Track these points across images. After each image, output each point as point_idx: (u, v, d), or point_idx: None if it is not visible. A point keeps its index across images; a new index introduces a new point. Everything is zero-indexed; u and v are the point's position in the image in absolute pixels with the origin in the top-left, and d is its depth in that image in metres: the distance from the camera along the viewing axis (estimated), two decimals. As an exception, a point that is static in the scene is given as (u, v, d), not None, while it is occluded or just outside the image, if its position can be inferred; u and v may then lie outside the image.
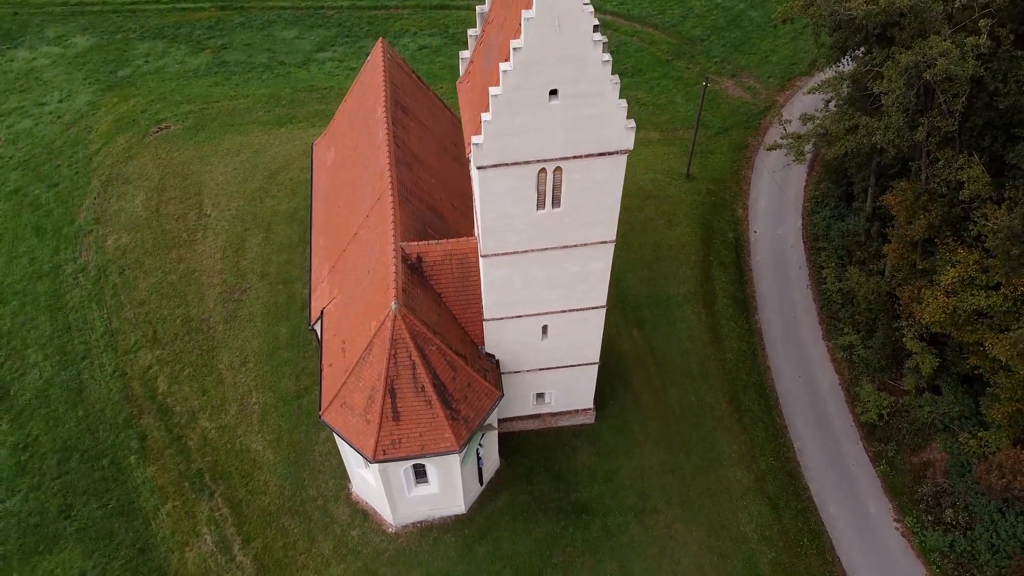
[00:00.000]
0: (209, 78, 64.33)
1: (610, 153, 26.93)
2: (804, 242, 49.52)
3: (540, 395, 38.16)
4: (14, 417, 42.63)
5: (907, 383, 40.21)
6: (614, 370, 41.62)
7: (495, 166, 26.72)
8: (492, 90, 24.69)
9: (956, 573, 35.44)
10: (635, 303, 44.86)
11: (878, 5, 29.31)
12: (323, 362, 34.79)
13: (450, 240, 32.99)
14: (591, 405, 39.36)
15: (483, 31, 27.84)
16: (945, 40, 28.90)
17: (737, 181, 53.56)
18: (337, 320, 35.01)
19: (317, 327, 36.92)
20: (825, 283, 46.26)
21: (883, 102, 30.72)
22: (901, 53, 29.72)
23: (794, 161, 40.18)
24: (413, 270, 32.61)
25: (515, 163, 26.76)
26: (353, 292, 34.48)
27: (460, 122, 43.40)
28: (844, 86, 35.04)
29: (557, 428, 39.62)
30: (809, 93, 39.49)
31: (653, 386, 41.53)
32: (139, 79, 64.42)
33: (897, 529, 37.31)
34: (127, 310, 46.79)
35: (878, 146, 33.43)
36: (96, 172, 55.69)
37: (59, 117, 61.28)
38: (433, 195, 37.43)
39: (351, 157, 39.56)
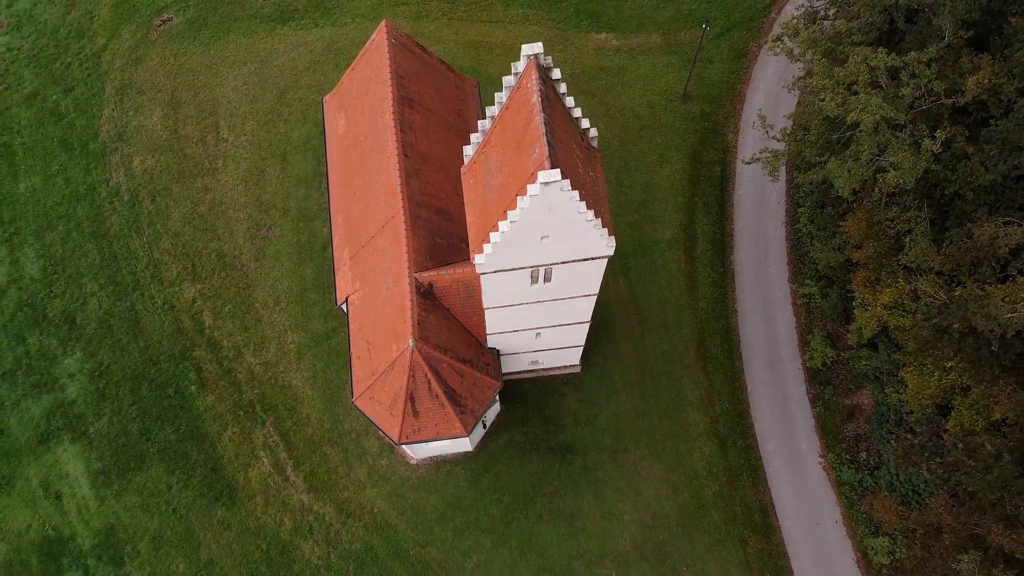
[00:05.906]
0: (201, -55, 62.32)
1: (594, 258, 31.28)
2: (787, 173, 52.74)
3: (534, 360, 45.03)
4: (84, 346, 49.83)
5: (851, 338, 46.68)
6: (600, 320, 47.67)
7: (495, 272, 31.30)
8: (492, 235, 28.67)
9: (860, 504, 44.83)
10: (623, 250, 49.68)
11: (845, 115, 31.10)
12: (351, 351, 41.14)
13: (456, 268, 37.76)
14: (577, 362, 46.30)
15: (484, 142, 30.51)
16: (903, 142, 31.25)
17: (732, 99, 55.15)
18: (362, 316, 40.72)
19: (344, 307, 42.68)
20: (799, 222, 50.52)
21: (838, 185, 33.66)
22: (863, 141, 32.07)
23: (770, 176, 42.77)
24: (425, 296, 37.86)
25: (512, 269, 31.27)
26: (375, 297, 39.82)
27: (464, 84, 45.30)
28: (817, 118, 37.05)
29: (549, 376, 46.93)
30: (788, 117, 41.03)
31: (633, 336, 48.05)
32: (128, -57, 62.46)
33: (820, 464, 46.10)
34: (164, 240, 51.88)
35: (837, 191, 36.58)
36: (108, 76, 57.17)
37: (56, -5, 60.88)
38: (440, 195, 41.07)
39: (363, 144, 42.30)
